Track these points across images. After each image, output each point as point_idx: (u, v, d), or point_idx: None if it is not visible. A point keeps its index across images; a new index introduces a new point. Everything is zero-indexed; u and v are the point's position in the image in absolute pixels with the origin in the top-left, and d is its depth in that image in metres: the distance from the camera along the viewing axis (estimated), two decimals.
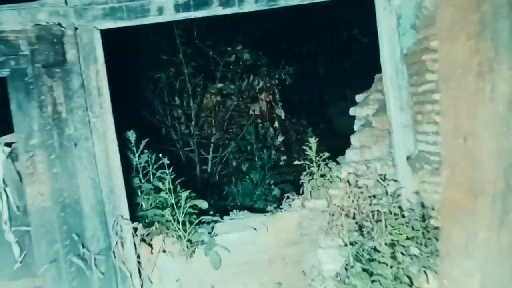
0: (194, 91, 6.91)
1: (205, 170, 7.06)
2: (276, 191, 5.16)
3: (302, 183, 3.82)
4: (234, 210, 4.15)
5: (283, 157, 5.83)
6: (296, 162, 3.79)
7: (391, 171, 3.75)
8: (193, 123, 6.89)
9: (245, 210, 4.10)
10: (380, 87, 4.01)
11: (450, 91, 2.04)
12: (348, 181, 3.54)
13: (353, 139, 3.92)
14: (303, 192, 3.92)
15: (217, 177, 6.57)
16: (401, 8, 3.53)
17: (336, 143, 8.10)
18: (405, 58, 3.61)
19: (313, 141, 3.75)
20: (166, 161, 3.43)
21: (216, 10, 3.43)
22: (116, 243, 3.16)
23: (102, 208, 3.18)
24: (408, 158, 3.71)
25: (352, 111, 4.27)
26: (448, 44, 2.04)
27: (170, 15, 3.43)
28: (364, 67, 11.54)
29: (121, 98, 3.94)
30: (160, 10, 3.40)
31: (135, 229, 3.20)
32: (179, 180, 3.64)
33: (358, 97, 4.31)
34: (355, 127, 4.22)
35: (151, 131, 6.87)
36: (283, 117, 5.95)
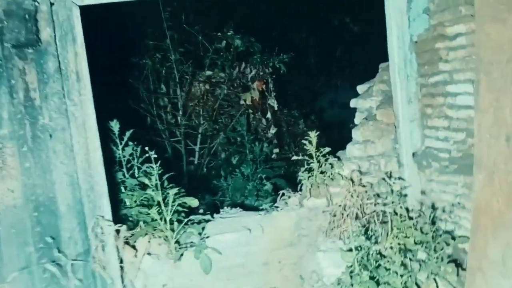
0: (181, 78, 6.54)
1: (192, 162, 6.74)
2: (268, 186, 4.87)
3: (300, 180, 3.53)
4: (226, 207, 3.86)
5: (275, 150, 5.53)
6: (294, 157, 3.48)
7: (396, 168, 3.49)
8: (180, 112, 6.53)
9: (238, 208, 3.81)
10: (385, 77, 3.73)
11: (491, 82, 1.77)
12: (351, 179, 3.27)
13: (356, 133, 3.63)
14: (300, 189, 3.64)
15: (205, 170, 6.24)
16: None
17: (328, 135, 7.86)
18: (415, 46, 3.33)
19: (313, 134, 3.45)
20: (153, 154, 3.09)
21: None
22: (96, 246, 2.83)
23: (80, 208, 2.83)
24: (414, 154, 3.46)
25: (353, 103, 3.99)
26: (490, 26, 1.77)
27: None
28: (355, 57, 11.30)
29: (103, 84, 3.59)
30: None
31: (118, 231, 2.87)
32: (166, 176, 3.32)
33: (360, 88, 4.03)
34: (356, 120, 3.94)
35: (136, 120, 6.50)
36: (276, 108, 5.64)
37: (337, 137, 8.56)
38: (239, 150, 5.51)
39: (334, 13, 10.39)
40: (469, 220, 2.98)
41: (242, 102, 5.82)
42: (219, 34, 6.06)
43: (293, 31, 10.24)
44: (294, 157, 3.48)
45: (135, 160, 3.45)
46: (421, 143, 3.43)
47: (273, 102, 5.58)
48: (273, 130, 5.61)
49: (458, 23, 2.87)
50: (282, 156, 5.72)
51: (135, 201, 3.33)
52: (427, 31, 3.17)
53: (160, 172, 3.22)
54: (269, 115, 5.64)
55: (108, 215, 2.89)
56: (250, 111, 5.80)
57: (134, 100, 6.67)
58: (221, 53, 6.08)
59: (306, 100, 9.14)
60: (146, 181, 3.08)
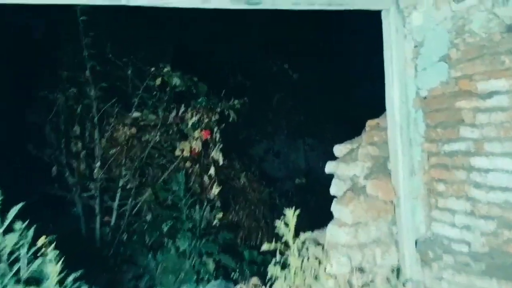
0: (101, 119, 5.34)
1: (107, 223, 5.43)
2: (211, 265, 3.79)
3: (270, 278, 2.52)
4: None
5: (219, 215, 4.48)
6: (265, 247, 2.48)
7: (395, 261, 2.64)
8: (98, 163, 5.27)
9: None
10: (375, 138, 2.93)
11: None
12: (349, 283, 2.33)
13: (341, 210, 2.74)
14: (269, 285, 2.63)
15: (125, 235, 4.98)
16: (424, 31, 2.52)
17: (269, 190, 6.97)
18: (423, 103, 2.58)
19: (290, 213, 2.51)
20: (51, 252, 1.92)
21: None
22: None
23: None
24: (416, 242, 2.65)
25: (330, 167, 3.13)
26: None
27: None
28: (292, 104, 10.75)
29: None
30: None
31: None
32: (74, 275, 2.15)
33: (338, 149, 3.19)
34: (334, 190, 3.07)
35: (37, 170, 5.15)
36: (221, 163, 4.64)
37: (281, 191, 7.75)
38: (172, 213, 4.38)
39: (273, 58, 9.91)
40: None
41: (178, 152, 4.75)
42: (153, 69, 5.02)
43: (228, 72, 9.51)
44: (265, 246, 2.47)
45: (24, 250, 2.23)
46: (427, 228, 2.63)
47: (218, 155, 4.58)
48: (216, 190, 4.58)
49: (496, 77, 2.15)
50: (225, 221, 4.69)
51: None
52: (445, 84, 2.43)
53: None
54: (212, 170, 4.62)
55: None
56: (188, 164, 4.74)
57: (37, 143, 5.33)
58: (154, 92, 5.02)
59: (243, 148, 8.31)
60: None
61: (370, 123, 3.02)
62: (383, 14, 2.65)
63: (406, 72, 2.61)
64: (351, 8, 2.49)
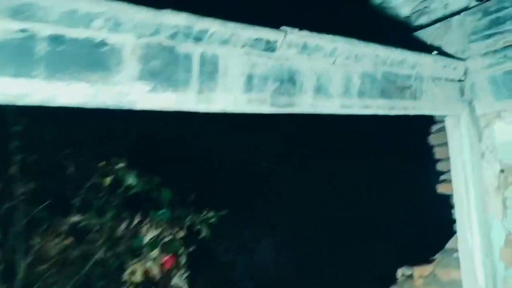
0: (30, 225, 4.13)
1: None
2: None
3: None
4: None
5: None
6: None
7: None
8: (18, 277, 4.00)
9: None
10: None
11: None
12: None
13: None
14: None
15: None
16: None
17: None
18: None
19: None
20: None
21: None
22: None
23: None
24: None
25: None
26: None
27: None
28: (276, 213, 9.29)
29: None
30: None
31: None
32: None
33: None
34: None
35: None
36: None
37: None
38: None
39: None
40: None
41: (126, 275, 3.56)
42: (102, 164, 3.97)
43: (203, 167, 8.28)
44: None
45: None
46: None
47: (182, 283, 3.41)
48: None
49: None
50: None
51: None
52: None
53: None
54: None
55: None
56: None
57: None
58: (101, 194, 3.93)
59: (218, 269, 6.89)
60: None
61: (420, 272, 2.08)
62: (449, 122, 1.83)
63: (491, 208, 1.75)
64: (416, 113, 1.67)
